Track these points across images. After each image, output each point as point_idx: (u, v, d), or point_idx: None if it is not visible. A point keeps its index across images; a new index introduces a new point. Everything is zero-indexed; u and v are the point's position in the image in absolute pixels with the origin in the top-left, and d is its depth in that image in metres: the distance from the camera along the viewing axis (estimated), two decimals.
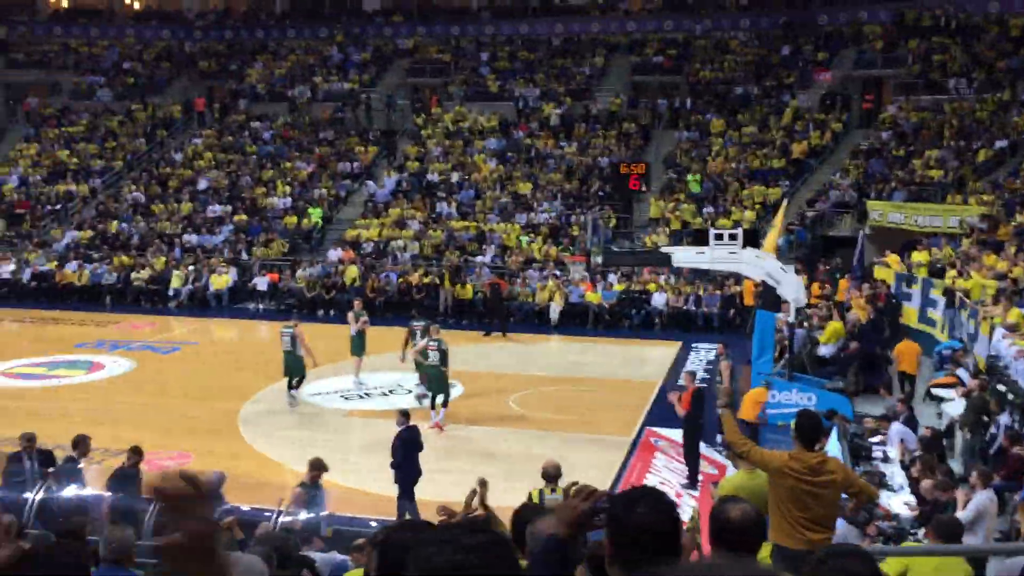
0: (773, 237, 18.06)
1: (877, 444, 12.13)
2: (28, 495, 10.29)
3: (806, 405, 15.04)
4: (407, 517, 10.33)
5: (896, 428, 12.01)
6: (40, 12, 43.14)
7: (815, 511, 5.57)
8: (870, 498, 6.10)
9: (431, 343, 15.41)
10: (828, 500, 5.65)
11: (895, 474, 10.94)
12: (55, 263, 28.18)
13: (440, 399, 15.33)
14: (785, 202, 21.06)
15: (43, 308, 26.02)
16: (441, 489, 12.19)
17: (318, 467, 10.35)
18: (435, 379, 15.41)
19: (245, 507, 10.96)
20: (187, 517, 1.75)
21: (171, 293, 26.69)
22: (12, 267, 28.07)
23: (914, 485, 10.20)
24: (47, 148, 35.72)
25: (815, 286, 21.45)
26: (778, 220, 19.34)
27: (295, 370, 16.39)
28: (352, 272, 25.89)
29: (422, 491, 12.23)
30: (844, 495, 5.93)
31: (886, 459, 11.60)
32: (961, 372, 14.48)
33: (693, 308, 23.83)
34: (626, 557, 2.33)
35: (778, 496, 5.62)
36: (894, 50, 33.03)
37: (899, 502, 10.07)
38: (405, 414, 11.91)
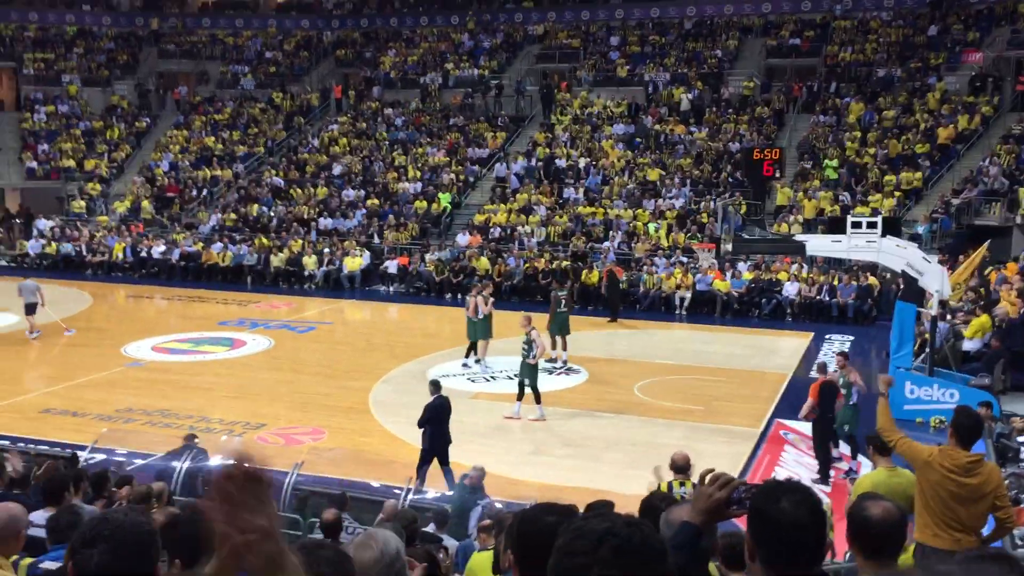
0: (963, 273, 17.35)
1: None
2: (176, 464, 10.87)
3: (948, 402, 14.36)
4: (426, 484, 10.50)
5: None
6: (190, 5, 45.30)
7: (960, 512, 5.29)
8: (1012, 526, 5.71)
9: (532, 331, 14.81)
10: (977, 503, 5.35)
11: None
12: (200, 244, 29.60)
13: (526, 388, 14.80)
14: (985, 246, 19.27)
15: (190, 287, 27.40)
16: (562, 475, 12.25)
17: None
18: (523, 367, 14.85)
19: (375, 483, 11.29)
20: (251, 512, 1.64)
21: (307, 274, 27.64)
22: (163, 248, 29.64)
23: None
24: (195, 135, 37.50)
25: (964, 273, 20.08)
26: (976, 257, 17.96)
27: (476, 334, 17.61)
28: (484, 263, 26.11)
29: (543, 476, 12.30)
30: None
31: None
32: None
33: (827, 298, 23.05)
34: (768, 553, 2.26)
35: (924, 492, 5.37)
36: None
37: None
38: (436, 384, 12.14)
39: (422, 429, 11.75)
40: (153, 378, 17.27)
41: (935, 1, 34.15)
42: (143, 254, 29.62)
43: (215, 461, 10.60)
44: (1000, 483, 5.58)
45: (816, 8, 36.23)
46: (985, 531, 5.58)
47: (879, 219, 15.96)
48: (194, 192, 34.14)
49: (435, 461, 11.61)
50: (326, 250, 28.16)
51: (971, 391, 14.62)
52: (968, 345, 16.62)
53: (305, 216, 31.05)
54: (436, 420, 11.71)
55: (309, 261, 27.85)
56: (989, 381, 15.52)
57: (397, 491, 9.85)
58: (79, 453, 10.87)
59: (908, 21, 34.31)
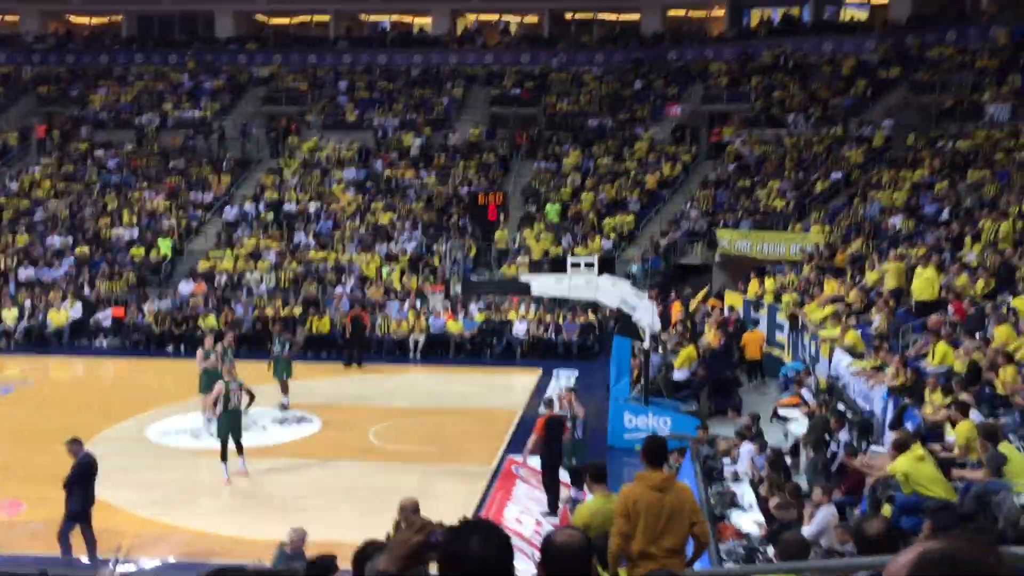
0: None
1: (728, 464, 12.49)
2: None
3: (662, 428, 15.41)
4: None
5: (746, 448, 12.41)
6: None
7: (663, 530, 5.68)
8: (707, 541, 6.23)
9: (233, 385, 13.86)
10: (673, 520, 5.76)
11: (745, 493, 11.28)
12: None
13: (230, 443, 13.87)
14: (707, 287, 24.32)
15: None
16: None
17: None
18: (236, 420, 13.89)
19: (83, 558, 10.30)
20: None
21: (3, 330, 25.02)
22: None
23: (763, 504, 10.54)
24: None
25: (676, 308, 22.18)
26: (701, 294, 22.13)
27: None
28: (210, 320, 24.78)
29: (276, 532, 11.79)
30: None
31: (737, 479, 11.95)
32: (804, 392, 15.15)
33: (553, 336, 24.10)
34: None
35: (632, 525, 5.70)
36: (738, 86, 34.67)
37: (749, 521, 10.37)
38: (76, 442, 11.13)
39: (67, 490, 10.68)
40: None
41: (639, 59, 37.21)
42: None
43: None
44: (693, 500, 6.08)
45: (534, 61, 38.27)
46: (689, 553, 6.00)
47: (595, 259, 16.97)
48: None
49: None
50: (27, 302, 25.66)
51: (683, 417, 15.81)
52: (678, 375, 17.97)
53: (2, 266, 28.16)
54: (86, 479, 10.74)
55: (8, 315, 25.24)
56: (696, 407, 16.86)
57: (107, 561, 9.03)
58: None
59: (616, 76, 37.08)
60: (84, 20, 42.41)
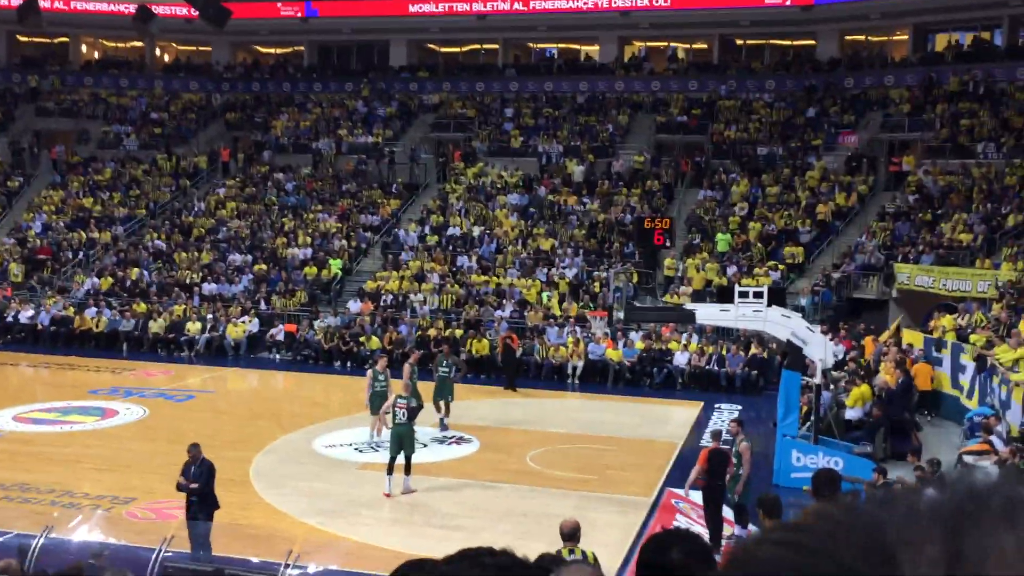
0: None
1: None
2: (34, 542, 10.12)
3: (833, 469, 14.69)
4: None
5: None
6: (72, 62, 44.09)
7: None
8: None
9: (399, 401, 14.09)
10: None
11: None
12: (72, 309, 28.29)
13: (401, 458, 14.03)
14: (900, 318, 23.25)
15: (60, 354, 26.06)
16: (453, 547, 11.94)
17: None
18: (403, 436, 14.06)
19: (254, 559, 10.75)
20: None
21: (188, 341, 26.70)
22: (31, 312, 28.21)
23: None
24: (72, 195, 36.16)
25: (869, 344, 21.46)
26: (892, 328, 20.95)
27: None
28: (374, 342, 25.57)
29: (432, 548, 11.95)
30: None
31: None
32: (994, 439, 14.13)
33: (716, 368, 23.53)
34: None
35: None
36: (920, 114, 33.06)
37: None
38: (196, 446, 11.69)
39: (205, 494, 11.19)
40: (13, 450, 16.20)
41: (812, 86, 36.11)
42: (9, 319, 28.10)
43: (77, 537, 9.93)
44: None
45: (702, 88, 37.79)
46: None
47: (764, 289, 16.47)
48: (68, 255, 32.76)
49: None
50: (209, 316, 27.31)
51: (855, 459, 15.03)
52: (850, 414, 17.14)
53: (188, 281, 30.13)
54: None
55: (193, 327, 26.94)
56: (871, 449, 16.01)
57: (275, 566, 9.39)
58: None
59: (788, 103, 36.12)
60: (270, 50, 45.12)
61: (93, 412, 19.31)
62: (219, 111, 41.50)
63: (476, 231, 31.66)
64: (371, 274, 30.40)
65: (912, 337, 21.61)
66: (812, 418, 15.83)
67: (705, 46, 40.49)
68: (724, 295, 18.47)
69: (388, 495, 13.99)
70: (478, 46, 42.97)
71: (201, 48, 44.49)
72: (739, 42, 40.12)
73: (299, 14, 40.93)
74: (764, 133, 34.70)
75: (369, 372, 17.68)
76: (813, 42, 38.18)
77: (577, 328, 25.24)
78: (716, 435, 13.71)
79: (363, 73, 41.88)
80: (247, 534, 11.02)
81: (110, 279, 30.57)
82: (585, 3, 38.65)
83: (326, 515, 13.33)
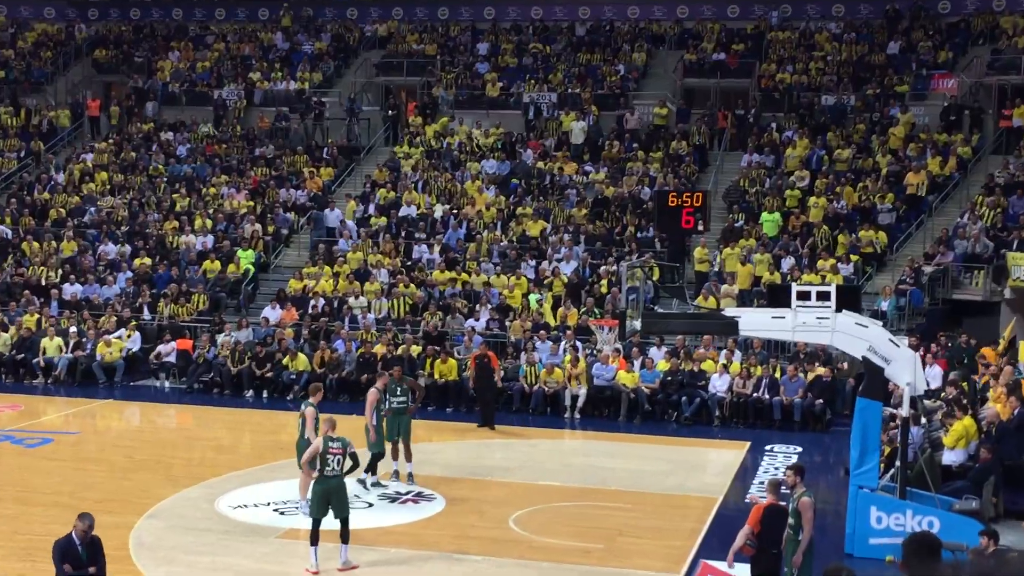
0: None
1: None
2: None
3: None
4: None
5: None
6: None
7: None
8: None
9: (332, 444, 13.98)
10: None
11: None
12: None
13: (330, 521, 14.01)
14: (1013, 324, 22.76)
15: None
16: None
17: None
18: (332, 493, 13.97)
19: None
20: None
21: (43, 364, 26.58)
22: None
23: None
24: None
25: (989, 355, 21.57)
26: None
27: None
28: (301, 361, 25.60)
29: None
30: None
31: None
32: None
33: (767, 396, 23.65)
34: None
35: None
36: None
37: None
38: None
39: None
40: None
41: (895, 11, 36.35)
42: None
43: None
44: None
45: (746, 15, 37.97)
46: None
47: (832, 290, 16.53)
48: None
49: None
50: (72, 329, 27.19)
51: (957, 518, 15.11)
52: (950, 457, 17.24)
53: (43, 281, 29.99)
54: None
55: (49, 345, 26.82)
56: (978, 505, 16.10)
57: None
58: None
59: (863, 35, 36.37)
60: None
61: None
62: (85, 48, 41.34)
63: (439, 211, 31.66)
64: (295, 271, 30.36)
65: None
66: (898, 463, 15.93)
67: None
68: (777, 297, 18.53)
69: (315, 573, 13.97)
70: None
71: None
72: None
73: None
74: (830, 76, 34.88)
75: (371, 392, 17.82)
76: None
77: (578, 343, 25.26)
78: (774, 487, 13.69)
79: None
80: None
81: None
82: None
83: None
